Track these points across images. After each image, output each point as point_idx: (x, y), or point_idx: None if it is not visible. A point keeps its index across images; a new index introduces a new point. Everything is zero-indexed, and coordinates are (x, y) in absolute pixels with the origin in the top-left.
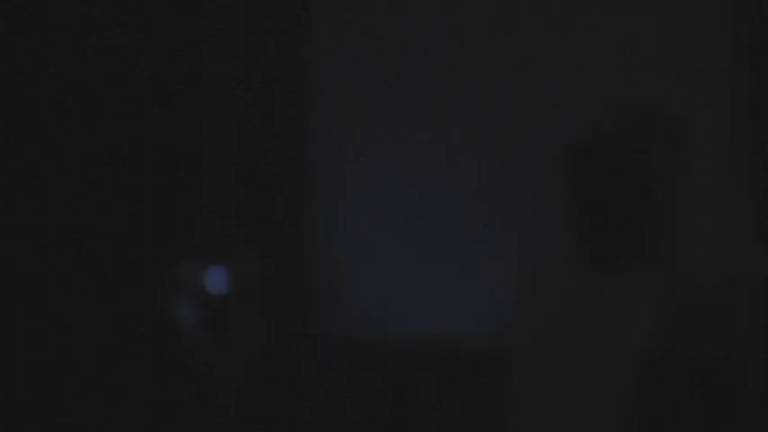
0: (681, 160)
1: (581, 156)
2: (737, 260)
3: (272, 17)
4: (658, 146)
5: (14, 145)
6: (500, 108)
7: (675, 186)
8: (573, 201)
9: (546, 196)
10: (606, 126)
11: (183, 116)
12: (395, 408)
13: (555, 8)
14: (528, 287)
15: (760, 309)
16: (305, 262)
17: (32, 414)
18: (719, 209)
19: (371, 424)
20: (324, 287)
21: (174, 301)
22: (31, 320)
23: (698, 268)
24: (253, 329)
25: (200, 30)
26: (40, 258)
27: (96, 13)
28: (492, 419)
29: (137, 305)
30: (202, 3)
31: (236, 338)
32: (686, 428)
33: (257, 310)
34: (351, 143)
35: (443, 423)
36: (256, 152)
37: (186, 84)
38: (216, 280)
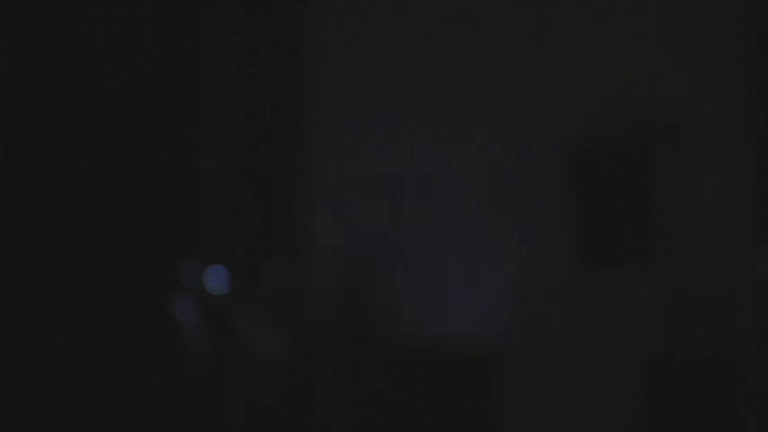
0: (680, 161)
1: (581, 156)
2: (737, 260)
3: (273, 17)
4: (658, 146)
5: (15, 147)
6: (501, 109)
7: (675, 186)
8: (573, 201)
9: (546, 197)
10: (606, 126)
11: (184, 117)
12: (395, 407)
13: (556, 9)
14: (528, 287)
15: (760, 309)
16: (302, 263)
17: (34, 414)
18: (719, 209)
19: (372, 423)
20: (322, 288)
21: (175, 301)
22: (31, 320)
23: (698, 268)
24: (254, 329)
25: (201, 31)
26: (40, 258)
27: (97, 15)
28: (492, 419)
29: (138, 305)
30: (203, 4)
31: (236, 339)
32: (686, 428)
33: (258, 311)
34: (350, 144)
35: (444, 423)
36: (256, 152)
37: (187, 85)
38: (216, 280)
